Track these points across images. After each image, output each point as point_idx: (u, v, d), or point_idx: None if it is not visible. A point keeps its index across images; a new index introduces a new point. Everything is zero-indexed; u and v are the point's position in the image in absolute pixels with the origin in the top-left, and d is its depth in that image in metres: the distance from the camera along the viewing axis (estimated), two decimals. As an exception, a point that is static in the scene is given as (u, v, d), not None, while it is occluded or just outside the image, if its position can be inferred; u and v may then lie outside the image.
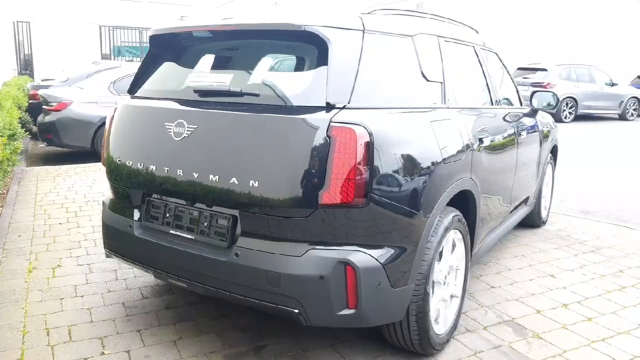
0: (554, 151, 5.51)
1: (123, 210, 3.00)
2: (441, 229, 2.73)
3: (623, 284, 4.04)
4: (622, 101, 18.16)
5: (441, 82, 3.10)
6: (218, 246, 2.59)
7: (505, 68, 4.53)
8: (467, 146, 3.08)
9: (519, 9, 22.64)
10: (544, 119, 5.09)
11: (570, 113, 16.77)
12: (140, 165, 2.80)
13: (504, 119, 3.94)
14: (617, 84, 18.23)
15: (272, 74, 2.79)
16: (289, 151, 2.32)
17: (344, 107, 2.40)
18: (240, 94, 2.59)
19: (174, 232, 2.76)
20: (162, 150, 2.70)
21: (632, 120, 18.40)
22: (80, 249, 4.52)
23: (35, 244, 4.62)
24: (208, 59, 2.94)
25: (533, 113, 4.77)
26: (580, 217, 5.95)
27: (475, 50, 3.83)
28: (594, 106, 17.53)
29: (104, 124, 8.63)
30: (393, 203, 2.43)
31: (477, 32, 4.18)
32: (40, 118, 9.05)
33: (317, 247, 2.36)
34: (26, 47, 21.30)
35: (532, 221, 5.29)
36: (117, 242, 3.05)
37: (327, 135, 2.31)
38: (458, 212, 2.94)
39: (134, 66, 9.42)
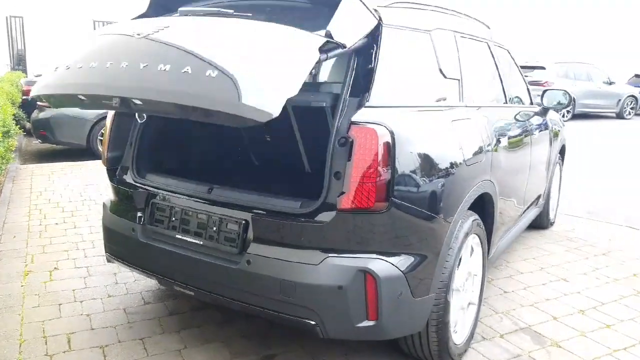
0: (562, 151, 5.40)
1: (125, 213, 2.86)
2: (462, 234, 2.60)
3: (639, 288, 3.92)
4: (620, 100, 18.11)
5: (458, 80, 2.96)
6: (228, 252, 2.45)
7: (517, 65, 4.40)
8: (487, 147, 2.96)
9: (518, 7, 22.57)
10: (554, 118, 4.97)
11: (567, 111, 16.69)
12: None
13: (518, 117, 3.82)
14: (614, 83, 18.18)
15: None
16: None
17: (363, 106, 2.26)
18: None
19: (180, 236, 2.62)
20: None
21: (629, 119, 18.37)
22: (78, 250, 4.36)
23: (31, 246, 4.46)
24: None
25: (544, 112, 4.65)
26: (587, 218, 5.85)
27: (489, 47, 3.71)
28: (592, 105, 17.45)
29: (99, 120, 8.47)
30: (415, 207, 2.30)
31: (488, 27, 4.05)
32: (34, 115, 8.86)
33: (334, 254, 2.22)
34: (19, 42, 21.01)
35: (540, 222, 5.18)
36: (119, 247, 2.91)
37: (347, 136, 2.17)
38: (477, 216, 2.81)
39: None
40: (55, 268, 3.98)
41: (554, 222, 5.48)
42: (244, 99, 1.83)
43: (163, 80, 1.95)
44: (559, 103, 4.69)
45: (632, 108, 18.53)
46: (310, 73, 2.69)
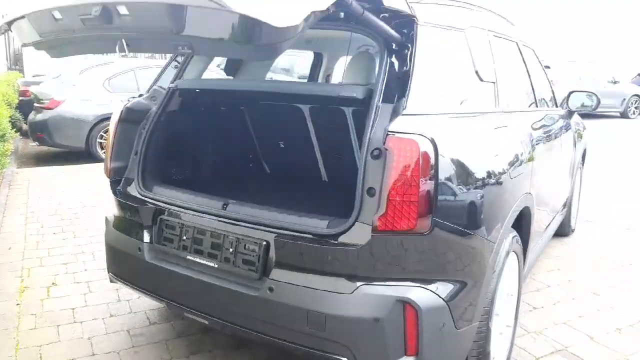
0: (583, 154, 5.16)
1: (131, 230, 2.60)
2: (504, 254, 2.35)
3: (675, 303, 3.69)
4: (624, 99, 17.88)
5: (494, 83, 2.72)
6: (247, 277, 2.19)
7: (542, 66, 4.16)
8: (527, 156, 2.71)
9: (519, 6, 22.35)
10: (577, 120, 4.73)
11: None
12: None
13: (548, 122, 3.58)
14: (619, 82, 17.95)
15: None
16: None
17: (400, 113, 2.01)
18: None
19: (191, 258, 2.36)
20: None
21: (634, 118, 18.13)
22: (77, 263, 4.11)
23: (27, 257, 4.20)
24: None
25: (569, 114, 4.40)
26: (607, 224, 5.60)
27: (518, 47, 3.46)
28: (596, 104, 17.18)
29: (98, 122, 8.21)
30: (459, 228, 2.05)
31: (513, 24, 3.80)
32: (31, 116, 8.60)
33: (369, 282, 1.96)
34: (16, 42, 20.69)
35: (561, 230, 4.93)
36: (123, 267, 2.66)
37: (383, 148, 1.92)
38: (516, 233, 2.57)
39: (129, 62, 8.96)
40: (53, 283, 3.73)
41: (574, 230, 5.24)
42: None
43: None
44: (584, 105, 4.44)
45: (636, 107, 18.30)
46: None
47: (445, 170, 1.98)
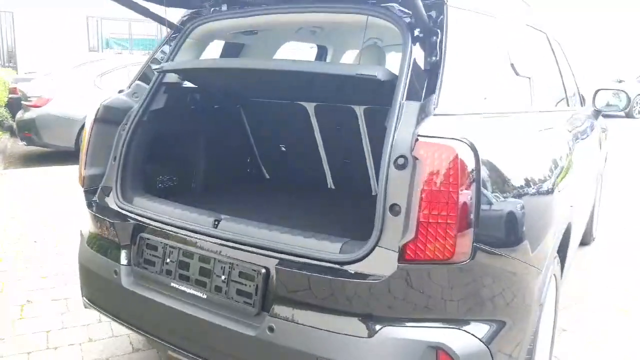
0: (605, 158, 4.79)
1: (106, 249, 2.22)
2: (548, 280, 1.97)
3: None
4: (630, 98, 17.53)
5: (529, 78, 2.34)
6: (242, 312, 1.82)
7: (568, 61, 3.78)
8: (570, 164, 2.33)
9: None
10: (601, 121, 4.36)
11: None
12: None
13: (579, 123, 3.20)
14: (623, 81, 17.62)
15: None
16: None
17: (431, 113, 1.64)
18: None
19: (176, 285, 1.98)
20: None
21: (639, 118, 17.80)
22: (57, 276, 3.73)
23: (3, 270, 3.82)
24: None
25: (596, 114, 4.03)
26: (627, 231, 5.24)
27: (548, 39, 3.08)
28: (601, 103, 16.86)
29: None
30: (505, 255, 1.67)
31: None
32: (18, 115, 8.20)
33: (394, 324, 1.59)
34: (9, 38, 20.29)
35: (583, 238, 4.55)
36: (98, 292, 2.28)
37: (410, 156, 1.55)
38: (556, 254, 2.19)
39: (122, 59, 8.58)
40: (28, 301, 3.35)
41: (595, 237, 4.87)
42: None
43: None
44: (609, 104, 4.07)
45: (641, 107, 17.97)
46: None
47: (488, 183, 1.60)
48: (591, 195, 3.80)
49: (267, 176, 3.29)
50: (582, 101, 3.96)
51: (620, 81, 17.48)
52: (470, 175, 1.53)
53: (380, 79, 1.81)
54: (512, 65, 2.18)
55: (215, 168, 2.93)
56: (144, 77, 2.51)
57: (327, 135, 2.84)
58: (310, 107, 2.78)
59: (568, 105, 3.18)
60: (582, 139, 3.06)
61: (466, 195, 1.52)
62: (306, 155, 2.99)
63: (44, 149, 8.63)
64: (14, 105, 9.88)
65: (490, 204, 1.60)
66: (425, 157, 1.53)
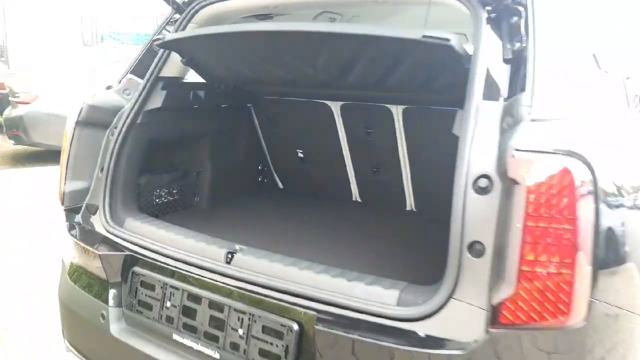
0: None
1: (92, 285, 1.78)
2: None
3: None
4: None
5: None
6: None
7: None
8: None
9: None
10: None
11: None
12: None
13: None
14: (630, 77, 17.25)
15: None
16: None
17: (523, 118, 1.21)
18: None
19: (179, 338, 1.55)
20: None
21: (646, 116, 17.45)
22: (42, 294, 3.29)
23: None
24: None
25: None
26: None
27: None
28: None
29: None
30: (625, 310, 1.24)
31: None
32: (6, 112, 7.80)
33: None
34: (0, 33, 19.82)
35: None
36: (81, 337, 1.85)
37: (497, 177, 1.13)
38: None
39: (117, 52, 8.15)
40: (5, 329, 2.91)
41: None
42: None
43: None
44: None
45: (650, 105, 17.62)
46: None
47: (609, 215, 1.17)
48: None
49: (281, 186, 2.85)
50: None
51: (628, 78, 17.10)
52: (592, 205, 1.10)
53: (454, 47, 1.33)
54: (594, 56, 1.74)
55: (223, 178, 2.48)
56: (137, 69, 2.07)
57: (354, 140, 2.42)
58: (335, 106, 2.36)
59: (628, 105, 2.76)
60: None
61: (587, 232, 1.09)
62: (328, 163, 2.56)
63: (34, 148, 8.19)
64: (2, 101, 9.44)
65: (611, 242, 1.17)
66: (528, 179, 1.10)
